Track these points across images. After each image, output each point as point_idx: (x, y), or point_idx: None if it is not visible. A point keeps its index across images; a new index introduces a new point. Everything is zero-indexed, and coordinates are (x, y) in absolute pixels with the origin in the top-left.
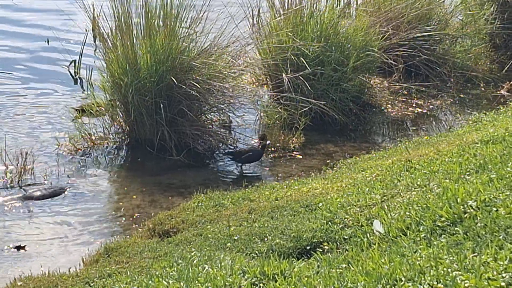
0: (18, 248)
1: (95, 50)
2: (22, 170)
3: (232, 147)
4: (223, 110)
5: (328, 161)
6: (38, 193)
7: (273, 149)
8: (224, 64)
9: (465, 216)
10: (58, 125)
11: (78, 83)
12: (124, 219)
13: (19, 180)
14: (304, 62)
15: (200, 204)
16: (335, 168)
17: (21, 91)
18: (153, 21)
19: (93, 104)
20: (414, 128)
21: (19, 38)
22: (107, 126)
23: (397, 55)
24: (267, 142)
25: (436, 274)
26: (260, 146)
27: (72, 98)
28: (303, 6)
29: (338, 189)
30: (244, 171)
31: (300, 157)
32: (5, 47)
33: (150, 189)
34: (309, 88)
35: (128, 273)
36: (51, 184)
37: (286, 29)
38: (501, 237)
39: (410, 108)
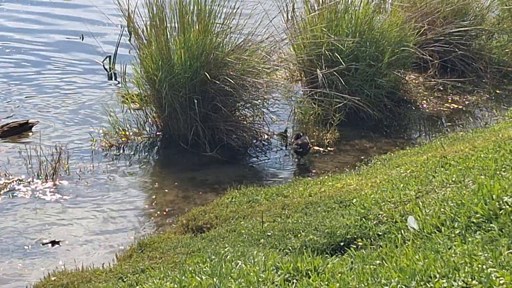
0: (53, 243)
1: (129, 46)
2: (57, 165)
3: (297, 144)
4: (257, 106)
5: (362, 157)
6: None
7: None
8: (258, 60)
9: (500, 212)
10: (93, 121)
11: (113, 79)
12: (158, 214)
13: (53, 175)
14: (339, 57)
15: (233, 199)
16: (369, 164)
17: (55, 86)
18: (187, 16)
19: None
20: (450, 124)
21: (54, 34)
22: (141, 122)
23: (433, 50)
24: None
25: (470, 270)
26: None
27: (106, 94)
28: (337, 1)
29: (372, 185)
30: (278, 168)
31: (335, 153)
32: (40, 43)
33: (184, 184)
34: (343, 83)
35: (161, 269)
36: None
37: (320, 25)
38: None
39: (445, 104)
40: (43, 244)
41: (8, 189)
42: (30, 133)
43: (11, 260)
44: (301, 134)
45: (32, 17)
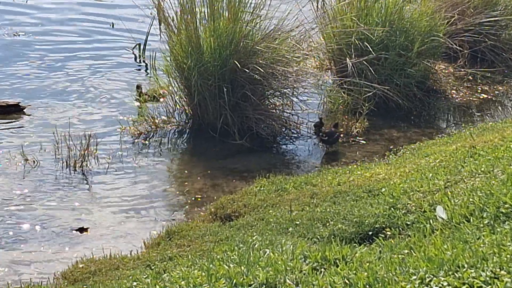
0: (81, 230)
1: (160, 34)
2: (85, 152)
3: (323, 133)
4: (287, 95)
5: (391, 146)
6: None
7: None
8: (287, 48)
9: None
10: (122, 108)
11: (142, 66)
12: (186, 202)
13: (82, 163)
14: (369, 46)
15: (262, 188)
16: (398, 154)
17: (85, 74)
18: (217, 4)
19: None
20: (479, 114)
21: (84, 22)
22: (170, 110)
23: (463, 40)
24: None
25: (499, 261)
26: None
27: (135, 81)
28: None
29: (401, 175)
30: (306, 157)
31: (364, 142)
32: (70, 31)
33: (213, 173)
34: (373, 73)
35: (189, 257)
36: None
37: (350, 14)
38: None
39: (475, 94)
40: (72, 230)
41: (37, 176)
42: (23, 116)
43: (40, 247)
44: (336, 124)
45: (62, 5)
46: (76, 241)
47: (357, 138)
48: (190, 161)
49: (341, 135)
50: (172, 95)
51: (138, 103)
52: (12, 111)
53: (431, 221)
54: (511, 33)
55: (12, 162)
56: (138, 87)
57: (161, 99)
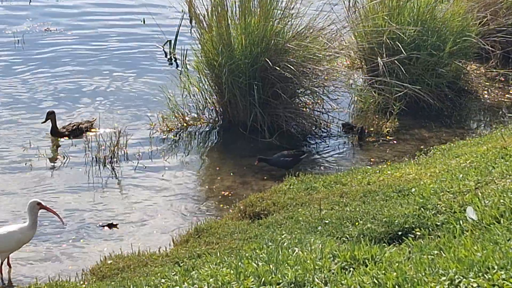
0: (110, 226)
1: (190, 31)
2: (115, 148)
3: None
4: (317, 93)
5: (422, 146)
6: None
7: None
8: (319, 47)
9: None
10: (152, 105)
11: (173, 63)
12: (215, 199)
13: (111, 159)
14: (400, 46)
15: (291, 186)
16: (428, 154)
17: (115, 70)
18: (248, 2)
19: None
20: (511, 115)
21: (116, 17)
22: (200, 107)
23: (495, 41)
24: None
25: None
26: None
27: (166, 78)
28: None
29: (431, 175)
30: (336, 156)
31: (394, 142)
32: (101, 26)
33: (242, 170)
34: (404, 72)
35: (218, 254)
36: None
37: (382, 13)
38: None
39: (506, 95)
40: (101, 226)
41: (67, 172)
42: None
43: (69, 242)
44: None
45: (94, 1)
46: (105, 237)
47: (388, 137)
48: (219, 158)
49: (300, 157)
50: (202, 92)
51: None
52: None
53: (461, 222)
54: None
55: (43, 158)
56: (50, 113)
57: (84, 134)
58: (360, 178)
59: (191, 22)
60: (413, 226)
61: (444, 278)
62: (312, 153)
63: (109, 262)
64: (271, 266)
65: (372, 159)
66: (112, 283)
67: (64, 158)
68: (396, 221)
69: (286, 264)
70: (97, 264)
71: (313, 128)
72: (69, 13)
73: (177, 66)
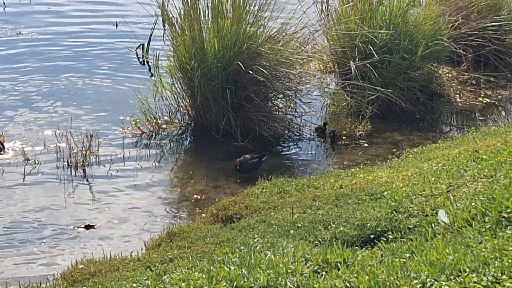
0: (88, 227)
1: (163, 34)
2: (87, 152)
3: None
4: (290, 97)
5: (394, 150)
6: None
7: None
8: (291, 51)
9: None
10: (124, 108)
11: (146, 67)
12: (187, 203)
13: (83, 163)
14: (372, 49)
15: (264, 190)
16: (401, 157)
17: (87, 74)
18: (221, 6)
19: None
20: (482, 118)
21: (88, 21)
22: (173, 110)
23: (466, 44)
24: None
25: (500, 265)
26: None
27: (138, 82)
28: None
29: (403, 178)
30: (309, 159)
31: (366, 145)
32: (74, 30)
33: (215, 174)
34: (376, 76)
35: (190, 258)
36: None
37: (354, 17)
38: None
39: (478, 98)
40: (77, 228)
41: (39, 176)
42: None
43: (40, 247)
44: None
45: (66, 4)
46: (76, 242)
47: (360, 141)
48: (191, 162)
49: (260, 162)
50: (175, 96)
51: None
52: None
53: (433, 225)
54: None
55: (14, 162)
56: None
57: None
58: (332, 182)
59: (164, 25)
60: (386, 229)
61: (416, 281)
62: (285, 157)
63: (80, 267)
64: (243, 270)
65: (344, 163)
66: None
67: (35, 163)
68: (369, 224)
69: (258, 268)
70: (68, 269)
71: (286, 132)
72: (42, 17)
73: (150, 69)
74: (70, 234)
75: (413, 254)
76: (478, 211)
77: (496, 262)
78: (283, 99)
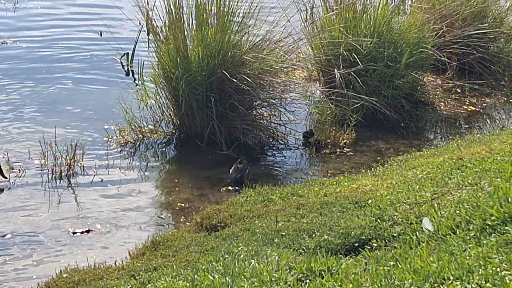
0: (88, 231)
1: (148, 43)
2: (71, 161)
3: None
4: (274, 105)
5: (378, 158)
6: None
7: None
8: (276, 59)
9: None
10: (109, 117)
11: (130, 76)
12: (172, 212)
13: (68, 172)
14: (357, 58)
15: (248, 198)
16: (385, 165)
17: (72, 82)
18: (205, 14)
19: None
20: (467, 126)
21: (73, 30)
22: (157, 119)
23: (451, 52)
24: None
25: (484, 273)
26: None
27: (123, 91)
28: (356, 1)
29: (388, 186)
30: (293, 167)
31: (351, 153)
32: (58, 39)
33: (199, 183)
34: (361, 84)
35: (174, 267)
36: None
37: (338, 25)
38: None
39: (463, 106)
40: (72, 233)
41: (22, 185)
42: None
43: (22, 257)
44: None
45: (50, 13)
46: (60, 251)
47: (345, 149)
48: (176, 170)
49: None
50: (159, 105)
51: None
52: None
53: (417, 233)
54: (499, 46)
55: None
56: None
57: None
58: (317, 190)
59: (148, 34)
60: (370, 237)
61: None
62: (269, 165)
63: (64, 275)
64: (227, 278)
65: (329, 171)
66: None
67: (19, 172)
68: (353, 232)
69: (242, 277)
70: (52, 278)
71: (270, 140)
72: (27, 26)
73: (135, 78)
74: (53, 243)
75: (397, 262)
76: (463, 219)
77: (480, 270)
78: (268, 108)
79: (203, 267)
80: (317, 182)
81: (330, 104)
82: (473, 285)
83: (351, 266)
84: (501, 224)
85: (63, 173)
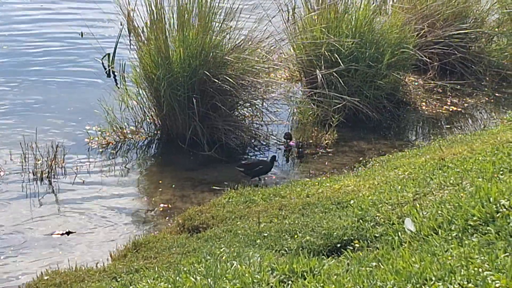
0: (68, 233)
1: (129, 44)
2: (52, 162)
3: (245, 159)
4: (256, 106)
5: (360, 158)
6: None
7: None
8: (257, 59)
9: (497, 215)
10: (90, 118)
11: (111, 77)
12: (153, 213)
13: (49, 173)
14: (338, 58)
15: (230, 200)
16: (367, 166)
17: (52, 83)
18: (186, 15)
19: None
20: (448, 126)
21: (54, 30)
22: (139, 120)
23: (432, 52)
24: (291, 143)
25: (466, 273)
26: (270, 159)
27: (104, 92)
28: (337, 2)
29: (370, 187)
30: (275, 168)
31: (333, 154)
32: (39, 40)
33: (181, 184)
34: (343, 84)
35: (156, 269)
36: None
37: (320, 25)
38: None
39: (444, 106)
40: (53, 235)
41: (3, 187)
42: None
43: (5, 257)
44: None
45: (31, 13)
46: (41, 253)
47: (327, 149)
48: (158, 172)
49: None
50: (141, 105)
51: None
52: None
53: (399, 233)
54: (480, 46)
55: None
56: None
57: None
58: (299, 191)
59: (129, 35)
60: (352, 238)
61: None
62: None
63: (45, 278)
64: (209, 280)
65: (311, 172)
66: None
67: (0, 174)
68: (335, 233)
69: (224, 278)
70: (33, 280)
71: (252, 141)
72: (6, 27)
73: (116, 79)
74: (34, 245)
75: (380, 263)
76: (445, 219)
77: (462, 270)
78: (250, 108)
79: (185, 269)
80: (299, 182)
81: (312, 104)
82: (455, 286)
83: (334, 267)
84: (483, 224)
85: (44, 175)
